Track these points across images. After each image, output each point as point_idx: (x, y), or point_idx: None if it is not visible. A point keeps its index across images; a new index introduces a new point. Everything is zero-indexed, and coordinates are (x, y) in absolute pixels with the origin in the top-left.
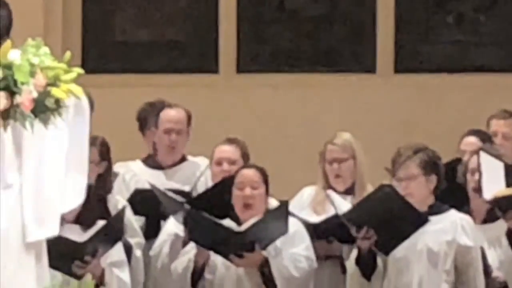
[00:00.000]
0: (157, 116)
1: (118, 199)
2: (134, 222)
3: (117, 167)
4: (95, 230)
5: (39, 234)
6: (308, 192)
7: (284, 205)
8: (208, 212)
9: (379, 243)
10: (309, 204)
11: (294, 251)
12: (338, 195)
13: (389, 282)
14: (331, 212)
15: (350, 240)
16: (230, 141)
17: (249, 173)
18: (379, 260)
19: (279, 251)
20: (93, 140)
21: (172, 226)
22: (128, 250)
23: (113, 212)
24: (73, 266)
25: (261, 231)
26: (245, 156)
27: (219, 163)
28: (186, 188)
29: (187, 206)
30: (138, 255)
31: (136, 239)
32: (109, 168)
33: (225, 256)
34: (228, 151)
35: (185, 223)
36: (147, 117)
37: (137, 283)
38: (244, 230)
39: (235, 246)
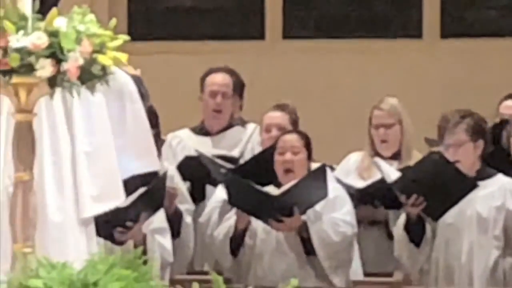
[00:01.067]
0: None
1: (165, 166)
2: (184, 188)
3: (168, 137)
4: (137, 196)
5: (97, 208)
6: (354, 158)
7: (321, 168)
8: (255, 178)
9: (428, 209)
10: (355, 170)
11: (333, 215)
12: (384, 160)
13: (438, 248)
14: (377, 177)
15: (395, 206)
16: (280, 107)
17: (290, 138)
18: (428, 226)
19: (318, 215)
20: None
21: (221, 193)
22: (179, 216)
23: None
24: (115, 232)
25: (298, 194)
26: (294, 122)
27: (268, 129)
28: (235, 153)
29: (223, 170)
30: (188, 221)
31: (186, 205)
32: (157, 135)
33: (265, 220)
34: (277, 117)
35: (226, 188)
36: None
37: (187, 249)
38: (279, 193)
39: (273, 210)
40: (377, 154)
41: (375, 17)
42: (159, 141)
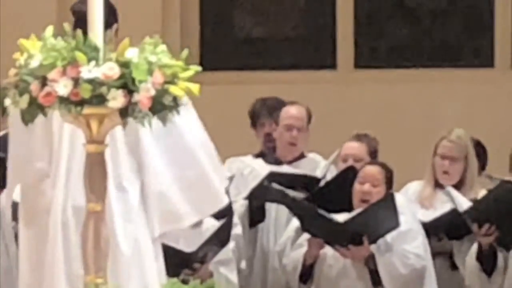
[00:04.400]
0: (275, 113)
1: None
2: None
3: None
4: (206, 236)
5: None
6: (413, 188)
7: (388, 196)
8: (331, 204)
9: (500, 239)
10: (415, 200)
11: (404, 247)
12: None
13: (510, 279)
14: (439, 207)
15: (459, 236)
16: (358, 137)
17: (372, 170)
18: (500, 256)
19: (389, 247)
20: None
21: (295, 223)
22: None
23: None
24: (182, 274)
25: (366, 223)
26: (372, 153)
27: (345, 159)
28: (317, 174)
29: (290, 195)
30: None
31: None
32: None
33: (333, 246)
34: (354, 147)
35: (296, 214)
36: (259, 113)
37: None
38: (344, 220)
39: (341, 236)
40: (436, 183)
41: (446, 46)
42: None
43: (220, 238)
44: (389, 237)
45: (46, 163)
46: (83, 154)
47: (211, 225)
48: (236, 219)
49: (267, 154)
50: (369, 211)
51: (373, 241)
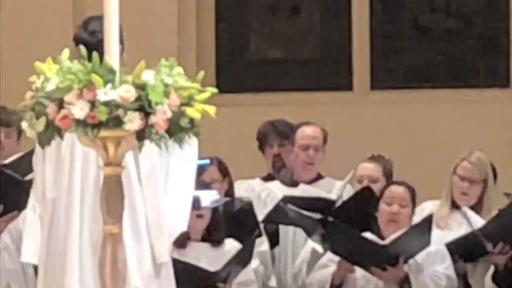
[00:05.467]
0: (283, 135)
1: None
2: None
3: (238, 185)
4: (229, 257)
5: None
6: (429, 207)
7: (428, 219)
8: (347, 222)
9: None
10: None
11: (436, 269)
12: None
13: None
14: (454, 228)
15: (475, 259)
16: (373, 158)
17: (399, 190)
18: None
19: (420, 267)
20: (210, 161)
21: (310, 243)
22: None
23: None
24: None
25: (405, 244)
26: (387, 173)
27: (360, 180)
28: (332, 196)
29: (331, 218)
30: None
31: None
32: (231, 184)
33: (367, 268)
34: (369, 168)
35: (327, 236)
36: (267, 135)
37: None
38: (389, 243)
39: (378, 258)
40: (453, 204)
41: (462, 67)
42: (233, 190)
43: (243, 258)
44: (419, 257)
45: (57, 193)
46: (96, 180)
47: (233, 246)
48: (263, 237)
49: (281, 175)
50: (410, 233)
51: (406, 260)
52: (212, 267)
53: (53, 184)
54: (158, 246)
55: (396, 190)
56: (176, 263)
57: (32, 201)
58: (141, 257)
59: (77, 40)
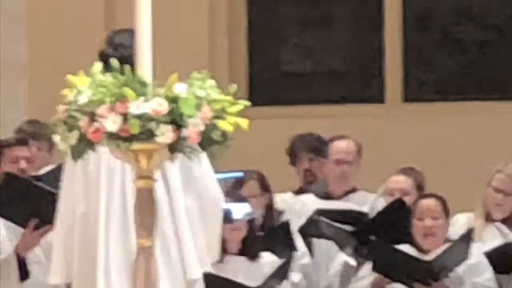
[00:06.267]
0: (312, 149)
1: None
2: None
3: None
4: (265, 270)
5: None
6: (462, 220)
7: (468, 233)
8: (381, 237)
9: None
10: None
11: (476, 280)
12: (494, 223)
13: None
14: (488, 240)
15: (509, 271)
16: (404, 171)
17: (429, 204)
18: None
19: (461, 280)
20: (250, 174)
21: (342, 256)
22: None
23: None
24: None
25: (447, 259)
26: (419, 186)
27: (391, 193)
28: (364, 209)
29: (373, 238)
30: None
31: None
32: (271, 201)
33: (409, 284)
34: (400, 181)
35: (369, 255)
36: (297, 150)
37: None
38: (433, 258)
39: (422, 274)
40: (487, 215)
41: (493, 78)
42: (273, 204)
43: (283, 273)
44: (460, 269)
45: (86, 207)
46: (121, 196)
47: (269, 260)
48: (304, 250)
49: (315, 188)
50: (453, 248)
51: (447, 274)
52: (249, 282)
53: (82, 199)
54: (189, 262)
55: (427, 203)
56: (215, 278)
57: (58, 218)
58: (172, 273)
59: (102, 56)
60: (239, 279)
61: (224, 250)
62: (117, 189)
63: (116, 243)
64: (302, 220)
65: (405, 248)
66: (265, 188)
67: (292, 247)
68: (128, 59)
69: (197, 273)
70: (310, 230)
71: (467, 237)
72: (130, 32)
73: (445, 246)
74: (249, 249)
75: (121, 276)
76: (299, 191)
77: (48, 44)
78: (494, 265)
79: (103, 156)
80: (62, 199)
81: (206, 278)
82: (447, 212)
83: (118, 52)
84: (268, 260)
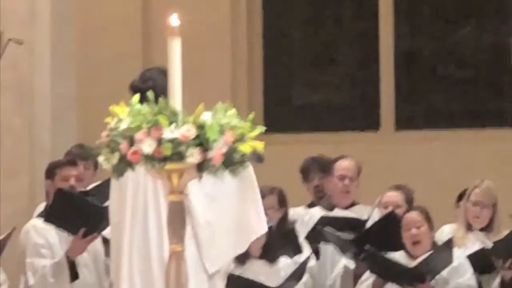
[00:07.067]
0: (322, 168)
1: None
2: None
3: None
4: (287, 274)
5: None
6: (448, 229)
7: (448, 242)
8: (377, 244)
9: None
10: None
11: (459, 281)
12: (474, 232)
13: None
14: (470, 246)
15: (488, 271)
16: (396, 187)
17: (412, 216)
18: None
19: (446, 281)
20: (272, 190)
21: (344, 261)
22: None
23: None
24: None
25: (431, 264)
26: (409, 200)
27: (386, 206)
28: (363, 217)
29: (368, 247)
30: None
31: None
32: (286, 213)
33: (402, 284)
34: (394, 196)
35: (366, 261)
36: (309, 169)
37: None
38: (416, 265)
39: (409, 278)
40: (468, 226)
41: (474, 110)
42: (287, 218)
43: (299, 274)
44: (445, 272)
45: (118, 218)
46: (143, 208)
47: (286, 263)
48: (309, 253)
49: (322, 202)
50: (434, 255)
51: (432, 278)
52: (269, 283)
53: (116, 210)
54: (210, 256)
55: (410, 216)
56: (239, 279)
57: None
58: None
59: (132, 87)
60: (260, 280)
61: (247, 255)
62: (141, 203)
63: (138, 249)
64: (309, 228)
65: (399, 254)
66: (283, 203)
67: (298, 250)
68: (153, 89)
69: (215, 267)
70: (315, 237)
71: (448, 245)
72: (158, 69)
73: (429, 252)
74: (269, 254)
75: (142, 278)
76: (311, 205)
77: (93, 80)
78: (475, 266)
79: (130, 176)
80: (111, 209)
81: (230, 278)
82: (429, 221)
83: (145, 84)
84: (285, 263)
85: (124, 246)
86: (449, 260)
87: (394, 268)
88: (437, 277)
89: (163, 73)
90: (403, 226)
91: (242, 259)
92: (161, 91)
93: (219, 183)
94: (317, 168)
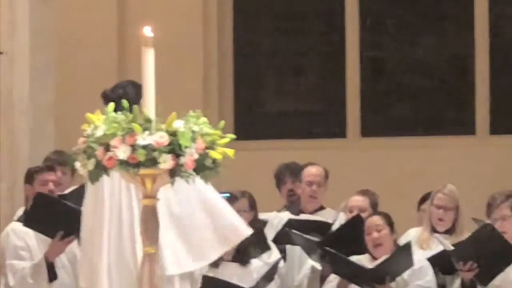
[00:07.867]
0: (295, 173)
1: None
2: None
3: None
4: (254, 274)
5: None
6: (413, 233)
7: (406, 245)
8: (343, 246)
9: (479, 275)
10: (415, 242)
11: (419, 283)
12: (438, 234)
13: None
14: (434, 248)
15: (450, 272)
16: (362, 192)
17: (374, 220)
18: None
19: (406, 283)
20: (243, 193)
21: (310, 262)
22: None
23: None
24: None
25: (389, 266)
26: (374, 205)
27: (351, 210)
28: (329, 220)
29: (328, 249)
30: None
31: None
32: (256, 216)
33: (362, 285)
34: (359, 200)
35: (328, 262)
36: (283, 174)
37: None
38: (374, 267)
39: (369, 279)
40: (432, 229)
41: (435, 118)
42: (257, 221)
43: (271, 275)
44: (405, 274)
45: (94, 222)
46: (118, 210)
47: (257, 265)
48: (277, 254)
49: (290, 206)
50: (392, 258)
51: (393, 279)
52: (243, 284)
53: (90, 213)
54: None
55: (371, 220)
56: (215, 281)
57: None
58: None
59: (103, 95)
60: (234, 281)
61: (220, 258)
62: (115, 207)
63: (115, 248)
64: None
65: (363, 257)
66: (253, 206)
67: (266, 248)
68: (122, 98)
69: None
70: (282, 239)
71: (405, 249)
72: (129, 81)
73: (387, 254)
74: (241, 256)
75: (119, 276)
76: (282, 211)
77: (70, 90)
78: (438, 268)
79: (106, 180)
80: (85, 213)
81: (205, 280)
82: (390, 224)
83: (114, 93)
84: (257, 265)
85: (103, 247)
86: (409, 263)
87: (354, 269)
88: (398, 279)
89: (133, 84)
90: (365, 229)
91: (215, 262)
92: (131, 100)
93: (184, 203)
94: (289, 174)
